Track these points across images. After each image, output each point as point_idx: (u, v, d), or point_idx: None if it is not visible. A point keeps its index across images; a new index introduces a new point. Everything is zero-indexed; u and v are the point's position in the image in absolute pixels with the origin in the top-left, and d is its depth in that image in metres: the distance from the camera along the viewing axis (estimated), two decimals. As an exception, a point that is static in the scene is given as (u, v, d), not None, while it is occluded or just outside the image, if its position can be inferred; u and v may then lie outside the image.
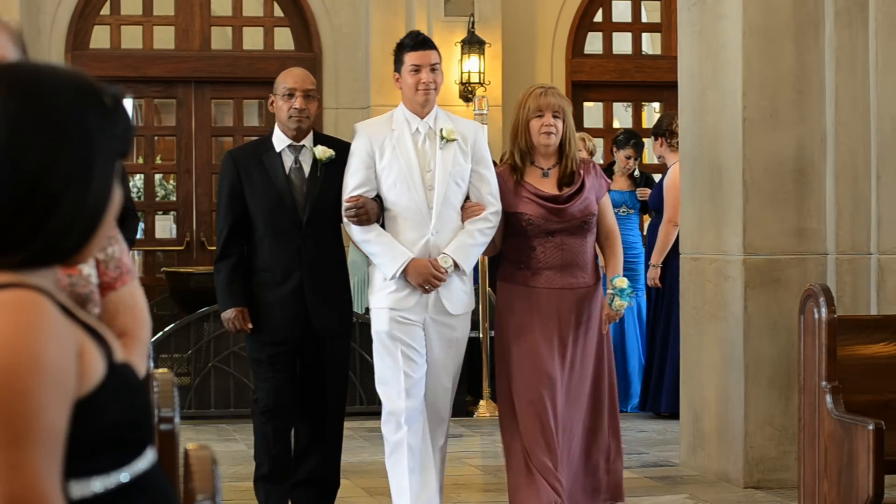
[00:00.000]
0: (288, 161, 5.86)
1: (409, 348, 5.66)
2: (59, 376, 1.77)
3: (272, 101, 5.94)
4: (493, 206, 5.70)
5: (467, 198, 5.74)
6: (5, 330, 1.76)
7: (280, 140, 5.89)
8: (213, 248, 11.48)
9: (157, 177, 12.67)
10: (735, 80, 6.81)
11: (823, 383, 4.85)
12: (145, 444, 1.94)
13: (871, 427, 4.55)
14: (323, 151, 5.82)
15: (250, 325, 5.84)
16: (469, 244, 5.67)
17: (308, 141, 5.88)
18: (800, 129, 6.78)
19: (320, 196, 5.79)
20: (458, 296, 5.72)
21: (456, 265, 5.65)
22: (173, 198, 12.47)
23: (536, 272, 5.65)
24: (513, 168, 5.75)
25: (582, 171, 5.74)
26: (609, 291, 5.68)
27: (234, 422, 8.79)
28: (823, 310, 4.86)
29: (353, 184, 5.71)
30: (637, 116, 13.15)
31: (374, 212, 5.69)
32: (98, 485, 1.86)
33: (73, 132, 1.88)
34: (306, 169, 5.85)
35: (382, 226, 5.74)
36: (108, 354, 1.91)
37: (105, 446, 1.87)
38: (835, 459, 4.77)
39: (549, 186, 5.72)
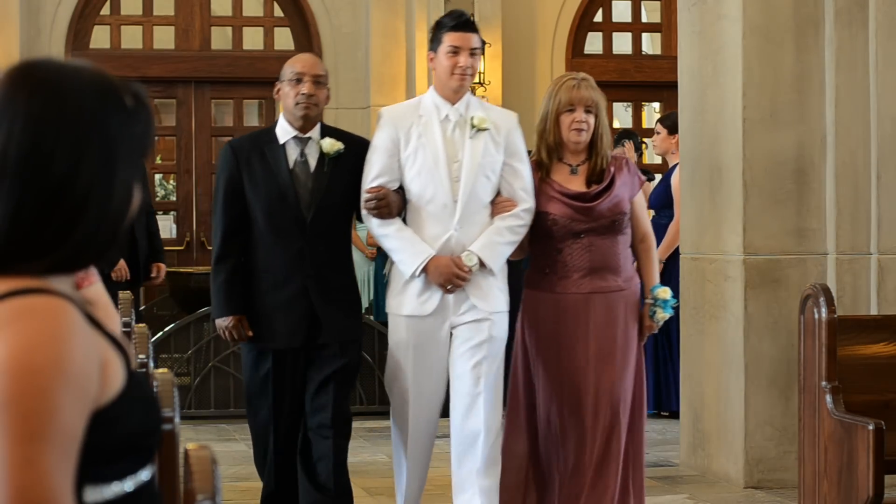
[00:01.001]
0: (292, 154, 5.35)
1: (422, 363, 5.28)
2: (80, 381, 1.77)
3: (278, 90, 5.43)
4: (526, 202, 5.27)
5: (499, 193, 5.33)
6: (32, 333, 1.76)
7: (284, 131, 5.38)
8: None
9: (157, 177, 12.68)
10: (735, 80, 6.80)
11: (823, 383, 4.84)
12: (153, 454, 1.95)
13: (871, 427, 4.55)
14: (331, 144, 5.33)
15: (250, 333, 5.35)
16: (497, 242, 5.24)
17: (315, 133, 5.38)
18: (800, 129, 6.78)
19: (327, 193, 5.31)
20: (492, 293, 5.28)
21: (482, 264, 5.22)
22: (173, 198, 12.48)
23: (563, 277, 5.25)
24: (538, 164, 5.38)
25: (613, 168, 5.34)
26: (648, 302, 5.33)
27: (234, 422, 8.78)
28: (823, 310, 4.86)
29: (374, 173, 5.28)
30: (637, 116, 13.15)
31: (396, 204, 5.27)
32: (109, 492, 1.86)
33: (97, 136, 1.86)
34: (312, 163, 5.34)
35: (405, 220, 5.33)
36: (126, 363, 1.91)
37: (119, 455, 1.87)
38: (835, 459, 4.77)
39: (576, 184, 5.33)
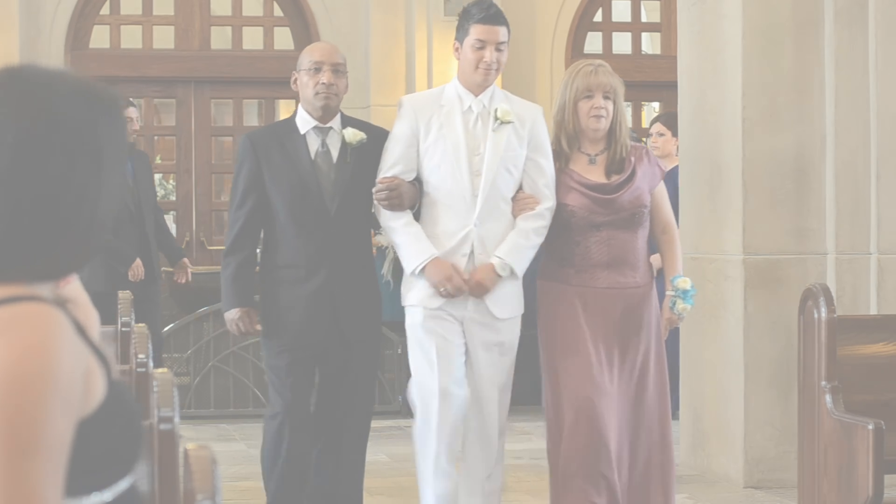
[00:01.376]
0: (314, 144, 5.23)
1: (445, 342, 5.09)
2: (68, 392, 1.76)
3: (295, 79, 5.31)
4: (549, 200, 5.11)
5: (520, 188, 5.17)
6: (23, 341, 1.75)
7: (304, 121, 5.26)
8: (213, 248, 11.57)
9: (157, 177, 12.66)
10: (735, 80, 6.80)
11: (823, 383, 4.84)
12: (134, 464, 1.94)
13: (871, 427, 4.55)
14: (353, 134, 5.21)
15: (258, 327, 5.28)
16: (524, 246, 5.11)
17: (336, 123, 5.27)
18: (800, 129, 6.78)
19: (350, 184, 5.19)
20: (507, 299, 5.15)
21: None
22: (173, 198, 12.46)
23: (581, 270, 5.11)
24: (556, 154, 5.20)
25: (633, 158, 5.20)
26: (669, 293, 5.23)
27: (234, 422, 8.79)
28: (823, 310, 4.86)
29: (390, 161, 5.14)
30: (637, 116, 13.14)
31: (409, 196, 5.14)
32: (88, 502, 1.86)
33: (86, 144, 1.86)
34: (334, 153, 5.23)
35: (418, 213, 5.19)
36: (108, 373, 1.90)
37: (99, 467, 1.86)
38: (835, 459, 4.77)
39: (596, 174, 5.18)
